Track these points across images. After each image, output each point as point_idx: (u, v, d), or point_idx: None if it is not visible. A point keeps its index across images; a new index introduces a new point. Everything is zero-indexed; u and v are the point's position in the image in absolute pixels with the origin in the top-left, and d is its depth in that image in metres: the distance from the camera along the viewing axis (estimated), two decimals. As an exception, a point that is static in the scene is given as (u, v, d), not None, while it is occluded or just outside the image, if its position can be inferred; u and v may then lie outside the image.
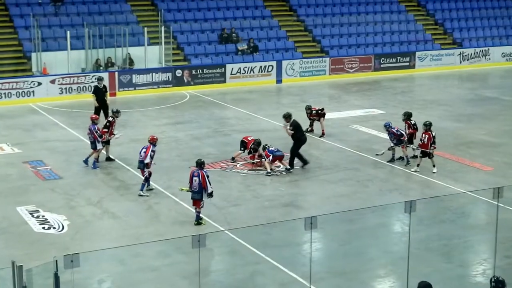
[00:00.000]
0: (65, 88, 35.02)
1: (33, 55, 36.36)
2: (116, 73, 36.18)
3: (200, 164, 18.53)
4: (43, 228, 18.12)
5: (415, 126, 24.30)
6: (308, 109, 27.91)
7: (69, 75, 35.29)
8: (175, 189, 20.61)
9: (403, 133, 23.73)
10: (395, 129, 23.75)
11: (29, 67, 36.62)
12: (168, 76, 37.19)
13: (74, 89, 35.16)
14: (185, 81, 37.46)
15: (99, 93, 29.53)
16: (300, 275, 15.37)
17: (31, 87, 34.16)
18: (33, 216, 18.87)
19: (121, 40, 37.46)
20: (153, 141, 21.01)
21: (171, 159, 24.27)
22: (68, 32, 36.22)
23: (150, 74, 36.87)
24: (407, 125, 24.31)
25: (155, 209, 19.72)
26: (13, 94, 33.85)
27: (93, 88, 30.84)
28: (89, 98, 31.97)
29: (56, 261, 10.70)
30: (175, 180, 21.57)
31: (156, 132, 27.38)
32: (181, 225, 18.42)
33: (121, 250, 16.36)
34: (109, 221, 18.84)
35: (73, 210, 19.44)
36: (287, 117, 23.70)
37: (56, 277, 10.63)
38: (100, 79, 30.86)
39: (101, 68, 36.70)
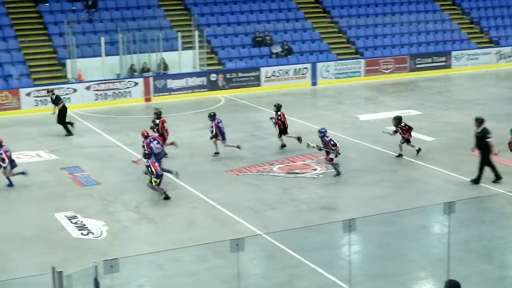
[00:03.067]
0: (100, 94, 35.21)
1: (68, 62, 36.59)
2: (151, 78, 36.30)
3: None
4: (82, 233, 18.20)
5: (407, 127, 24.49)
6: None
7: (104, 81, 35.47)
8: (212, 193, 20.61)
9: (336, 143, 22.55)
10: (329, 138, 22.56)
11: (64, 73, 36.86)
12: (203, 81, 37.24)
13: (110, 95, 35.33)
14: (220, 85, 37.49)
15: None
16: (338, 278, 15.25)
17: (66, 94, 34.34)
18: (71, 222, 18.95)
19: (155, 45, 37.58)
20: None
21: (207, 163, 24.27)
22: (103, 39, 36.43)
23: (185, 79, 36.95)
24: (400, 129, 24.44)
25: (192, 213, 19.72)
26: (49, 101, 34.04)
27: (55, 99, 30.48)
28: (124, 104, 32.16)
29: (96, 266, 10.72)
30: (211, 185, 21.55)
31: (192, 136, 27.45)
32: (219, 229, 18.38)
33: (159, 255, 16.36)
34: (147, 226, 18.87)
35: (111, 215, 19.50)
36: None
37: (96, 283, 10.65)
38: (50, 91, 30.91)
39: (136, 73, 36.83)
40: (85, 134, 29.06)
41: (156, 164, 20.54)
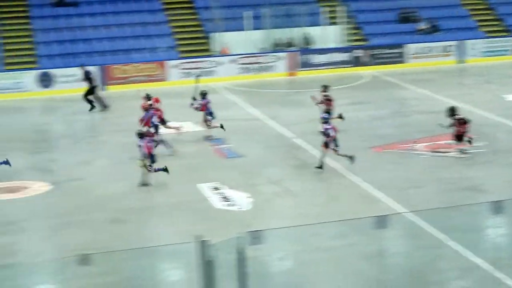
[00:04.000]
0: (245, 68, 35.53)
1: (214, 35, 37.07)
2: (295, 53, 36.32)
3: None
4: (225, 204, 18.42)
5: (461, 120, 22.09)
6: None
7: (248, 55, 35.75)
8: (356, 169, 20.46)
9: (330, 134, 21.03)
10: (330, 126, 21.17)
11: (209, 47, 37.39)
12: (347, 56, 36.98)
13: (253, 69, 35.61)
14: (364, 61, 37.13)
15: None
16: (482, 261, 14.85)
17: (212, 67, 34.85)
18: (215, 193, 19.22)
19: (299, 20, 37.53)
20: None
21: (352, 139, 24.09)
22: (247, 13, 36.69)
23: (329, 54, 36.80)
24: (454, 121, 22.17)
25: (335, 189, 19.64)
26: (194, 74, 34.67)
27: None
28: (268, 78, 32.37)
29: (240, 237, 10.81)
30: (358, 161, 21.35)
31: (334, 112, 27.27)
32: (361, 205, 18.23)
33: (300, 229, 16.37)
34: (289, 200, 18.92)
35: (254, 188, 19.63)
36: None
37: (240, 253, 10.73)
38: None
39: (280, 48, 36.94)
40: (229, 107, 29.40)
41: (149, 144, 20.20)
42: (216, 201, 18.64)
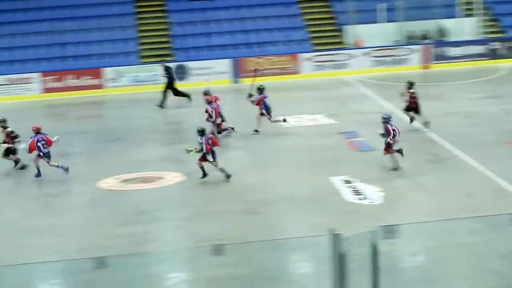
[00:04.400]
0: (378, 61, 35.20)
1: (347, 27, 36.89)
2: (430, 45, 35.72)
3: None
4: (357, 198, 18.31)
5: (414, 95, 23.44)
6: None
7: (382, 48, 35.40)
8: (491, 164, 19.93)
9: (396, 134, 20.29)
10: (393, 127, 20.33)
11: (342, 39, 37.23)
12: (483, 49, 36.08)
13: (387, 62, 35.23)
14: (501, 53, 36.14)
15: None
16: None
17: (345, 60, 34.70)
18: (346, 186, 19.12)
19: (434, 12, 36.87)
20: None
21: (487, 134, 23.50)
22: (381, 5, 36.33)
23: (464, 47, 36.00)
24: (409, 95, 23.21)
25: (470, 184, 19.18)
26: (328, 67, 34.62)
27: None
28: (401, 71, 31.94)
29: (374, 231, 10.71)
30: (491, 156, 20.81)
31: (471, 105, 26.68)
32: (496, 201, 17.74)
33: (433, 224, 16.08)
34: (422, 195, 18.60)
35: (386, 182, 19.40)
36: None
37: (374, 247, 10.64)
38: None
39: (414, 40, 36.41)
40: (362, 100, 29.21)
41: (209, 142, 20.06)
42: (347, 195, 18.54)
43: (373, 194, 18.42)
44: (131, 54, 36.74)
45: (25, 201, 19.36)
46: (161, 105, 30.28)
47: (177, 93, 30.69)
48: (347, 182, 19.37)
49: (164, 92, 30.56)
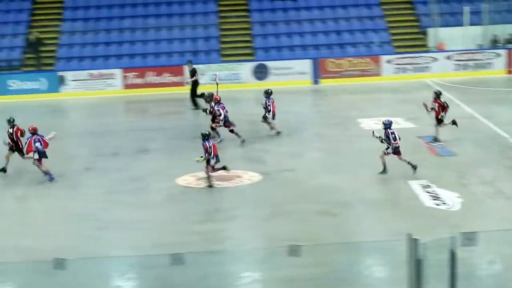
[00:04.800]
0: (461, 65, 34.66)
1: (430, 30, 36.43)
2: (514, 50, 35.09)
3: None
4: (435, 203, 18.04)
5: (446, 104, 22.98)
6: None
7: (465, 51, 34.86)
8: None
9: (397, 137, 20.00)
10: (391, 131, 20.01)
11: (425, 42, 36.78)
12: None
13: (470, 66, 34.68)
14: None
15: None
16: None
17: (427, 63, 34.28)
18: (425, 190, 18.86)
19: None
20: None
21: None
22: (466, 8, 35.79)
23: (553, 52, 35.23)
24: (437, 104, 22.58)
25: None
26: (409, 69, 34.28)
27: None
28: (485, 75, 31.44)
29: (453, 237, 10.54)
30: None
31: None
32: None
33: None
34: (501, 202, 18.22)
35: (465, 188, 19.08)
36: None
37: (452, 254, 10.47)
38: None
39: (499, 44, 35.75)
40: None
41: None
42: (425, 199, 18.29)
43: (452, 199, 18.14)
44: (213, 52, 36.97)
45: (105, 195, 19.64)
46: (196, 107, 30.51)
47: (193, 95, 30.74)
48: (426, 186, 19.12)
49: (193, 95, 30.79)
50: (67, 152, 24.13)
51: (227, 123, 23.98)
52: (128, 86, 35.18)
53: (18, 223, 17.72)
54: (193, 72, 30.95)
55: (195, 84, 30.74)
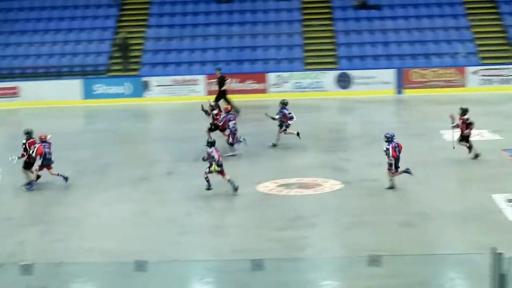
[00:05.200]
0: None
1: (517, 42, 35.85)
2: None
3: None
4: (519, 218, 17.69)
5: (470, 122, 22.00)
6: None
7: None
8: None
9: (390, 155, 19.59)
10: (395, 143, 19.69)
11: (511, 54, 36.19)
12: None
13: None
14: None
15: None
16: None
17: (510, 75, 33.73)
18: (509, 205, 18.49)
19: None
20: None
21: None
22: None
23: None
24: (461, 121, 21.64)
25: None
26: (495, 81, 33.75)
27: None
28: None
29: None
30: None
31: None
32: None
33: None
34: None
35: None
36: None
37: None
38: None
39: None
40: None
41: (219, 152, 19.92)
42: (510, 213, 17.92)
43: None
44: (296, 60, 37.01)
45: (186, 200, 19.80)
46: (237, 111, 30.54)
47: (218, 99, 30.68)
48: (510, 200, 18.73)
49: (226, 100, 30.63)
50: (149, 156, 24.46)
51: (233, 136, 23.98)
52: (211, 93, 35.42)
53: (103, 226, 18.01)
54: (222, 80, 31.06)
55: (223, 92, 30.87)
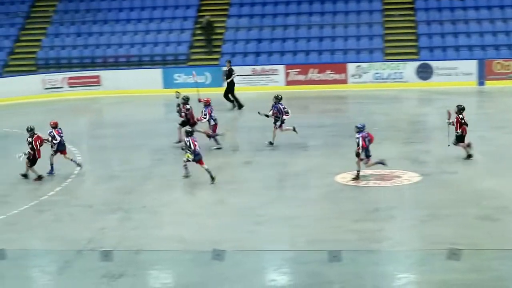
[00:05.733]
0: None
1: None
2: None
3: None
4: None
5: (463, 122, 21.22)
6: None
7: None
8: None
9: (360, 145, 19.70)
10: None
11: None
12: None
13: None
14: None
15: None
16: None
17: None
18: None
19: None
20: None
21: None
22: None
23: None
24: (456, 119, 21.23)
25: None
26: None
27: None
28: None
29: None
30: None
31: None
32: None
33: None
34: None
35: None
36: None
37: None
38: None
39: None
40: None
41: (196, 142, 20.10)
42: None
43: None
44: (376, 50, 36.70)
45: (263, 190, 19.83)
46: (239, 107, 30.40)
47: (227, 94, 30.93)
48: None
49: (233, 96, 30.92)
50: (228, 146, 24.53)
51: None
52: (290, 83, 35.47)
53: (181, 214, 18.16)
54: (230, 72, 31.18)
55: (231, 84, 31.05)
